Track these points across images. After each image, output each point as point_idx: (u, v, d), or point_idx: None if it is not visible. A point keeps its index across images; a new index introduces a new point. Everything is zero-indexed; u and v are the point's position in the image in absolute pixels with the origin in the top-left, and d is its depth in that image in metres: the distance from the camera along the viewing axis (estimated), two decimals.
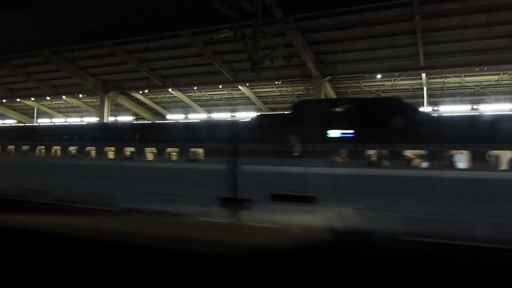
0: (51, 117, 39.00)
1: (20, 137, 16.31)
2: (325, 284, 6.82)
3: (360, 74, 22.61)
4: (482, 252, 8.74)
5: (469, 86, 23.26)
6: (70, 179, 13.67)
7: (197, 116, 32.14)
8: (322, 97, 23.27)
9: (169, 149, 12.62)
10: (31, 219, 11.15)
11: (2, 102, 37.01)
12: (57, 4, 23.29)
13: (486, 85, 23.10)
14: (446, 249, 9.17)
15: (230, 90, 28.04)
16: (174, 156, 12.60)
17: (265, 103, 29.19)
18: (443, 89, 24.14)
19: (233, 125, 12.83)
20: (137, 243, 8.31)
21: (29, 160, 15.00)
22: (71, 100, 34.37)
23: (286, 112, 11.32)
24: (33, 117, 38.96)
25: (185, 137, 12.48)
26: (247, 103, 29.80)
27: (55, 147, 14.83)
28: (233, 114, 30.93)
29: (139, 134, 13.52)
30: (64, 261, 8.08)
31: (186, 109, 32.54)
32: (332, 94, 25.36)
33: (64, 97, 33.09)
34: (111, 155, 13.66)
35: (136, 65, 25.63)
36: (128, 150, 13.35)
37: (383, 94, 25.19)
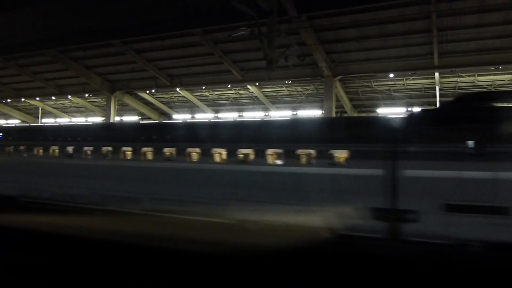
0: (55, 117, 38.69)
1: (108, 136, 14.66)
2: None
3: (372, 74, 22.29)
4: (483, 252, 8.55)
5: (482, 85, 22.95)
6: (181, 186, 11.74)
7: (204, 116, 31.87)
8: (333, 97, 23.03)
9: (300, 151, 10.78)
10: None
11: (7, 102, 36.69)
12: (63, 2, 23.12)
13: (499, 84, 22.80)
14: (446, 249, 8.93)
15: (239, 89, 27.74)
16: (305, 159, 10.84)
17: (273, 102, 28.89)
18: (455, 89, 23.84)
19: (391, 122, 10.74)
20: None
21: (119, 163, 13.21)
22: (77, 100, 34.07)
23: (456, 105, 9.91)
24: (37, 117, 38.63)
25: (322, 136, 10.67)
26: (254, 103, 29.50)
27: (166, 149, 12.74)
28: (240, 114, 30.65)
29: (260, 132, 11.74)
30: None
31: (192, 108, 32.27)
32: (342, 94, 25.09)
33: (69, 96, 32.78)
34: (219, 157, 11.89)
35: (144, 64, 25.35)
36: (243, 152, 11.54)
37: (394, 94, 24.92)
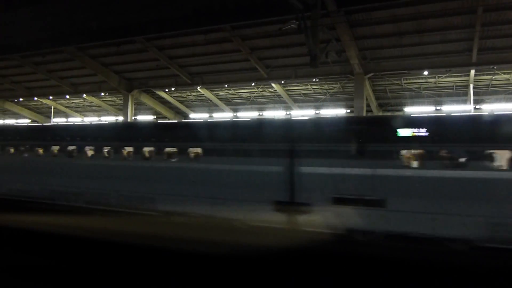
0: (67, 116, 37.93)
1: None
2: None
3: (405, 71, 21.57)
4: (482, 252, 8.35)
5: None
6: None
7: (222, 115, 31.15)
8: (364, 95, 22.34)
9: None
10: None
11: (18, 101, 35.94)
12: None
13: None
14: (446, 249, 8.60)
15: (261, 88, 27.02)
16: None
17: (295, 101, 28.17)
18: (488, 87, 23.16)
19: None
20: None
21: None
22: (91, 99, 33.30)
23: None
24: (49, 116, 37.83)
25: None
26: (276, 102, 28.79)
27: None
28: (260, 113, 29.93)
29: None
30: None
31: (210, 107, 31.55)
32: (370, 92, 24.36)
33: (84, 95, 32.04)
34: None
35: (166, 61, 24.61)
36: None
37: (423, 92, 24.22)
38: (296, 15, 13.31)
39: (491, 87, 23.14)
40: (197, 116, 32.35)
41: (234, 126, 13.50)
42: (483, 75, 21.91)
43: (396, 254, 8.59)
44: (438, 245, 8.92)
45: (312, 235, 9.62)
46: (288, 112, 29.14)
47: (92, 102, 34.21)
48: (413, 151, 9.90)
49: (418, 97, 24.98)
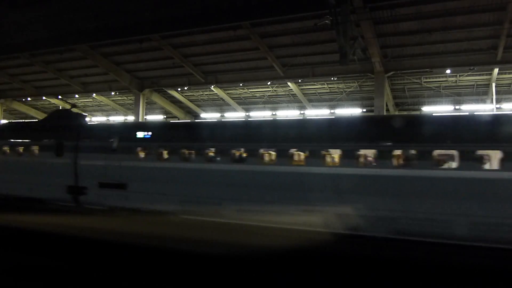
0: None
1: None
2: None
3: (427, 69, 21.15)
4: (482, 252, 8.47)
5: None
6: None
7: (234, 115, 30.72)
8: (384, 94, 21.91)
9: None
10: None
11: (26, 100, 35.44)
12: None
13: None
14: (446, 249, 8.73)
15: (276, 87, 26.57)
16: None
17: (310, 101, 27.73)
18: (510, 86, 22.75)
19: None
20: None
21: None
22: (100, 98, 32.84)
23: None
24: None
25: None
26: (290, 101, 28.35)
27: None
28: (274, 113, 29.50)
29: None
30: None
31: (221, 107, 31.12)
32: (388, 91, 23.92)
33: (94, 95, 31.57)
34: None
35: (181, 60, 24.14)
36: None
37: (443, 91, 23.81)
38: (329, 10, 12.89)
39: None
40: (208, 116, 31.92)
41: None
42: (505, 73, 21.50)
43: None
44: None
45: None
46: (302, 112, 28.72)
47: (101, 101, 33.75)
48: None
49: (436, 96, 24.55)
